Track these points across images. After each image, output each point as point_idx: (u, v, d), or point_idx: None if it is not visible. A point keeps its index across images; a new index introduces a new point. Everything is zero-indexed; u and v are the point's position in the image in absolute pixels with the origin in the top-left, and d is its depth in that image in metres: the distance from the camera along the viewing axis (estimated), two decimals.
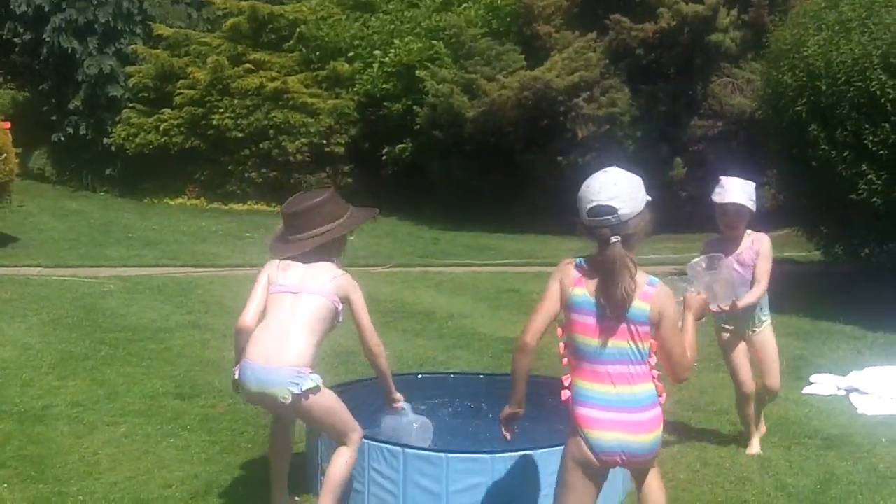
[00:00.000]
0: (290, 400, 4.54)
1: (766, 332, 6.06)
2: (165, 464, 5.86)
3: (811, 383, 7.66)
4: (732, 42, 16.84)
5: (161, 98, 21.58)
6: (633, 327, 3.84)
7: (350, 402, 5.75)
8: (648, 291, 3.82)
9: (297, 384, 4.52)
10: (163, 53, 21.77)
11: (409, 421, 5.18)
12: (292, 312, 4.65)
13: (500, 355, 8.47)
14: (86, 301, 10.81)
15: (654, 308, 3.82)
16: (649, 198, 3.99)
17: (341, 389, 5.90)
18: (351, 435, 4.72)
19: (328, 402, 4.69)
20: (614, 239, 3.83)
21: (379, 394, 5.91)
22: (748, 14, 16.96)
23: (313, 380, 4.58)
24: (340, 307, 4.71)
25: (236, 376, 4.71)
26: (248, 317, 4.74)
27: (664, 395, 4.07)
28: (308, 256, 4.77)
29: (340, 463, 4.68)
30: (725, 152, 17.00)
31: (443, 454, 4.69)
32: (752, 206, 5.91)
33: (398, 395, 5.16)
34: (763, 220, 18.48)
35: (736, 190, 5.95)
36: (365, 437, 4.90)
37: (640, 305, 3.79)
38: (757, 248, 5.94)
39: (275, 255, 4.86)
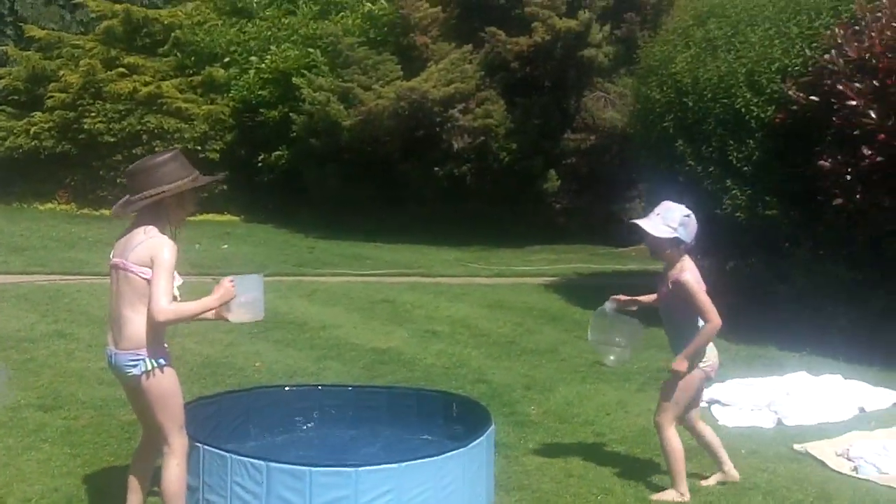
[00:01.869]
0: (129, 382, 4.58)
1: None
2: (25, 477, 5.73)
3: None
4: (605, 57, 17.17)
5: (32, 101, 21.07)
6: None
7: (216, 416, 5.74)
8: None
9: (136, 365, 4.53)
10: (34, 55, 21.28)
11: None
12: (117, 291, 4.61)
13: (371, 366, 8.49)
14: None
15: None
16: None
17: (207, 402, 5.88)
18: (173, 440, 4.64)
19: (168, 387, 4.61)
20: None
21: (245, 407, 5.89)
22: (620, 30, 17.32)
23: (153, 361, 4.54)
24: (149, 275, 4.49)
25: None
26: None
27: None
28: (142, 220, 4.63)
29: (171, 476, 4.63)
30: (598, 166, 17.36)
31: (307, 468, 4.68)
32: (659, 233, 5.54)
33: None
34: (634, 232, 18.78)
35: (646, 219, 5.66)
36: (227, 450, 4.86)
37: None
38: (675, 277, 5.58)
39: (113, 214, 4.80)
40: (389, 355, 8.89)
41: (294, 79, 18.76)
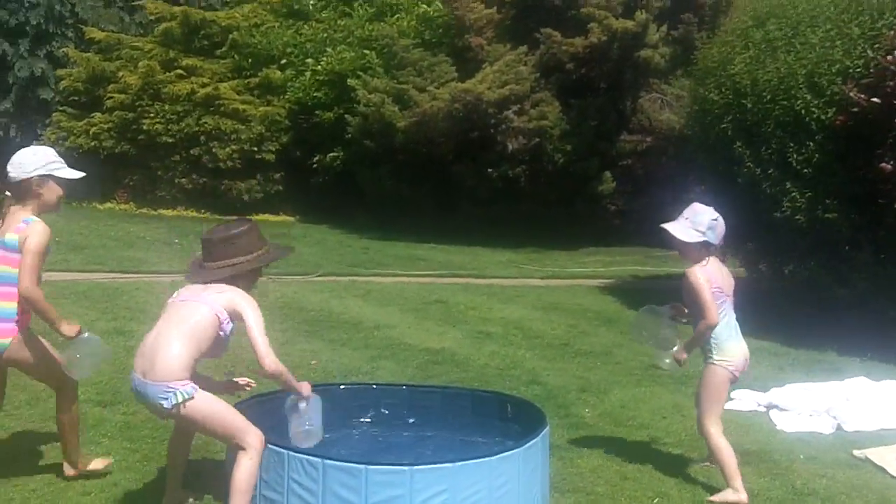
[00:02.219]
0: (164, 414, 4.76)
1: (706, 368, 5.81)
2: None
3: (731, 399, 7.76)
4: (662, 58, 17.06)
5: (92, 102, 21.34)
6: None
7: (272, 414, 5.76)
8: None
9: (167, 399, 4.68)
10: (94, 57, 21.55)
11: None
12: (170, 320, 4.82)
13: (425, 366, 8.50)
14: None
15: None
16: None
17: (264, 399, 5.91)
18: (245, 439, 4.76)
19: (206, 409, 4.76)
20: None
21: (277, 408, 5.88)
22: (678, 30, 17.20)
23: (182, 393, 4.68)
24: (226, 320, 4.80)
25: None
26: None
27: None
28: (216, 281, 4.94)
29: (240, 471, 4.71)
30: (654, 167, 17.24)
31: (362, 466, 4.70)
32: (688, 238, 5.66)
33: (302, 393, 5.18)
34: None
35: (674, 223, 5.76)
36: (285, 447, 4.89)
37: None
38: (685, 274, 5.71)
39: (190, 280, 5.04)
40: (443, 356, 8.89)
41: (349, 80, 18.84)
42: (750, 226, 10.90)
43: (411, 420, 6.08)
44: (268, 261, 5.10)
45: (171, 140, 20.21)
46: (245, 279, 5.00)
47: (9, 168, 5.41)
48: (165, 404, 4.67)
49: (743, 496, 5.58)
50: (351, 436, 6.00)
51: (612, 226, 17.75)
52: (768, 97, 10.11)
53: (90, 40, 21.82)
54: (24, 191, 5.39)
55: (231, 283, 4.92)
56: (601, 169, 17.37)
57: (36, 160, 5.43)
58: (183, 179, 20.45)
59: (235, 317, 4.81)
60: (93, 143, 20.78)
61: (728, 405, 7.60)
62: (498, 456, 4.87)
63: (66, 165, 5.60)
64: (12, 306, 5.29)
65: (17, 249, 5.35)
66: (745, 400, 7.70)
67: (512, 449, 4.94)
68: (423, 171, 18.03)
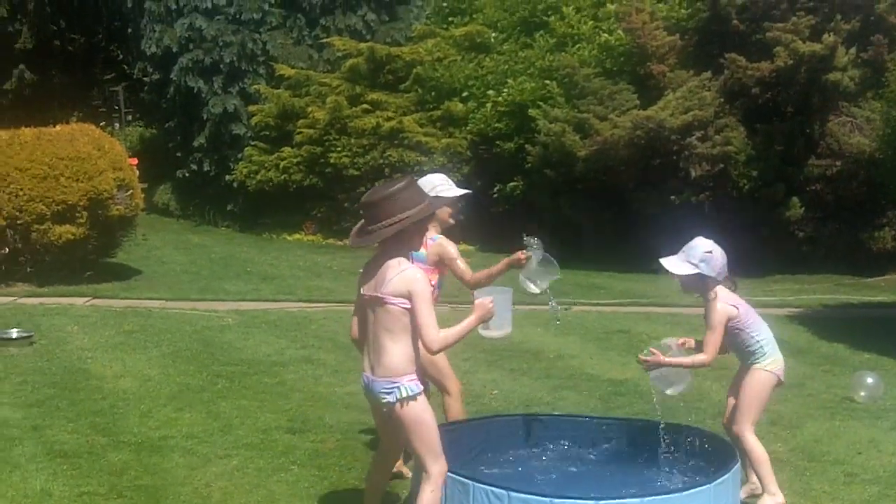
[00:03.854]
0: (385, 409, 4.77)
1: (752, 373, 5.88)
2: (275, 498, 5.99)
3: None
4: (851, 81, 16.53)
5: (281, 136, 22.08)
6: None
7: (455, 443, 5.83)
8: None
9: (391, 392, 4.72)
10: (284, 93, 22.28)
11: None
12: (374, 322, 4.80)
13: (608, 397, 8.44)
14: (204, 334, 11.11)
15: None
16: None
17: (447, 429, 5.98)
18: (433, 466, 4.77)
19: (421, 414, 4.78)
20: None
21: (484, 436, 5.93)
22: (867, 52, 16.64)
23: (407, 388, 4.71)
24: (408, 304, 4.69)
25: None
26: (353, 328, 5.20)
27: None
28: (388, 249, 4.79)
29: (424, 502, 4.75)
30: (844, 192, 16.69)
31: (547, 499, 4.70)
32: (680, 271, 5.82)
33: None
34: (883, 262, 18.08)
35: (672, 257, 5.88)
36: (469, 477, 4.93)
37: None
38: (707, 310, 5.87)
39: (353, 244, 4.95)
40: (626, 387, 8.80)
41: (530, 111, 18.92)
42: None
43: (594, 452, 6.05)
44: (430, 210, 4.92)
45: (356, 172, 20.69)
46: (411, 234, 4.84)
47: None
48: (390, 398, 4.71)
49: (780, 498, 5.61)
50: (533, 467, 6.00)
51: (801, 252, 17.22)
52: None
53: (280, 77, 22.57)
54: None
55: (398, 240, 4.76)
56: (788, 194, 16.90)
57: (426, 185, 5.78)
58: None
59: (409, 296, 4.68)
60: (283, 177, 21.48)
61: None
62: (688, 492, 4.80)
63: (452, 186, 6.14)
64: None
65: (424, 261, 5.91)
66: None
67: (703, 485, 4.86)
68: (603, 199, 17.92)
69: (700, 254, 5.77)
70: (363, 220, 4.91)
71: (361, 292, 4.89)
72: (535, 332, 11.30)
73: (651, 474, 5.73)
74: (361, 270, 4.95)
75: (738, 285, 6.04)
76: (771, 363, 5.82)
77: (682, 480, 5.32)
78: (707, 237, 5.97)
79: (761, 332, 5.85)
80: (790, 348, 10.49)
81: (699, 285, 5.84)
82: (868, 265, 16.22)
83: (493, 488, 4.82)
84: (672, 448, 5.83)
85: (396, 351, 4.72)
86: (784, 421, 7.74)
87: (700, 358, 5.69)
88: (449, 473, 4.96)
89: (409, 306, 4.68)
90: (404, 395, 4.70)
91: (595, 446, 6.06)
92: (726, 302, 5.78)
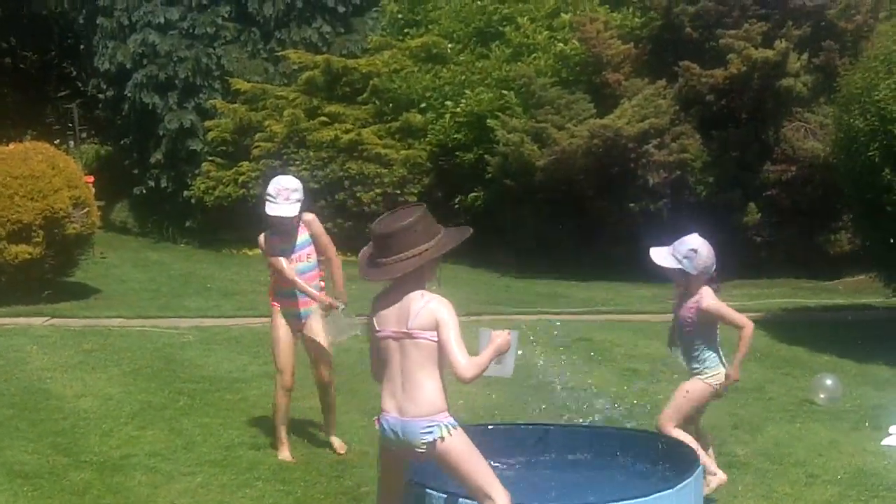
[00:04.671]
0: (424, 450, 4.53)
1: (693, 381, 6.14)
2: None
3: (890, 434, 7.54)
4: (804, 86, 16.73)
5: (239, 151, 21.96)
6: None
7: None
8: None
9: (431, 431, 4.51)
10: (240, 108, 22.18)
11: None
12: (401, 360, 4.58)
13: (571, 405, 8.46)
14: (165, 352, 11.03)
15: None
16: None
17: None
18: (496, 496, 4.53)
19: (465, 447, 4.58)
20: None
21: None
22: (819, 58, 16.84)
23: (447, 426, 4.53)
24: (436, 336, 4.55)
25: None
26: (373, 372, 4.82)
27: None
28: (405, 281, 4.61)
29: None
30: (800, 197, 16.86)
31: None
32: (662, 262, 6.07)
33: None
34: (840, 265, 18.23)
35: (659, 252, 6.12)
36: (447, 492, 4.79)
37: None
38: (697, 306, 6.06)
39: (370, 278, 4.68)
40: (588, 394, 8.84)
41: (488, 121, 18.98)
42: None
43: (558, 461, 6.06)
44: (447, 247, 4.70)
45: (316, 185, 20.61)
46: (427, 270, 4.68)
47: None
48: (429, 438, 4.48)
49: (720, 475, 6.06)
50: (500, 476, 6.00)
51: (759, 257, 17.38)
52: None
53: (236, 91, 22.46)
54: None
55: (412, 276, 4.59)
56: (745, 200, 17.06)
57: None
58: (328, 224, 20.73)
59: (436, 326, 4.53)
60: (241, 192, 21.36)
61: (887, 441, 7.39)
62: (651, 497, 4.83)
63: (276, 201, 6.89)
64: None
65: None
66: None
67: (665, 490, 4.89)
68: (563, 208, 18.01)
69: (685, 250, 5.94)
70: (374, 251, 4.69)
71: (379, 329, 4.67)
72: None
73: (615, 481, 5.75)
74: (373, 307, 4.73)
75: (721, 290, 6.16)
76: (713, 377, 6.03)
77: (643, 486, 5.34)
78: (664, 245, 6.08)
79: (712, 348, 6.06)
80: (751, 353, 10.56)
81: (682, 280, 6.06)
82: (825, 269, 16.40)
83: (463, 498, 4.80)
84: (634, 454, 5.87)
85: (432, 386, 4.54)
86: (745, 424, 7.81)
87: (744, 334, 5.94)
88: (430, 490, 4.83)
89: (436, 339, 4.53)
90: (445, 432, 4.50)
91: (558, 454, 6.07)
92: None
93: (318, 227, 7.32)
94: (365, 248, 4.77)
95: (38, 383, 9.50)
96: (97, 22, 24.29)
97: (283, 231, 7.13)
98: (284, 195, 6.93)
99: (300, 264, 7.16)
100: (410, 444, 4.55)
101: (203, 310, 14.15)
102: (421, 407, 4.53)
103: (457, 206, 19.98)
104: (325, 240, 7.36)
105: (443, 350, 4.50)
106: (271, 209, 6.97)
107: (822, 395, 8.45)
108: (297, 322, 7.27)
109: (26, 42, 32.98)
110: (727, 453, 7.03)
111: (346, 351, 10.77)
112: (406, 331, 4.55)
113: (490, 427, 6.43)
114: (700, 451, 5.81)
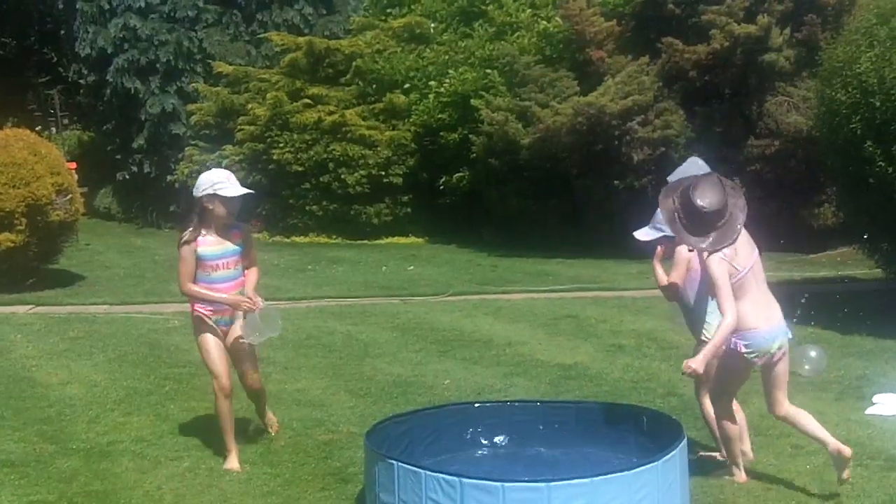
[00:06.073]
0: (781, 349, 5.75)
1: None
2: (228, 497, 5.98)
3: (874, 403, 7.58)
4: (786, 61, 16.73)
5: (222, 135, 21.87)
6: None
7: (409, 434, 5.86)
8: None
9: (788, 332, 5.77)
10: (223, 91, 22.08)
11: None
12: (760, 283, 5.95)
13: (558, 382, 8.50)
14: (150, 337, 11.01)
15: None
16: None
17: (400, 420, 6.00)
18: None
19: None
20: None
21: (437, 424, 5.98)
22: (801, 32, 16.83)
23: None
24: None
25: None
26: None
27: None
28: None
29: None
30: (784, 171, 16.88)
31: (499, 483, 4.73)
32: (647, 237, 6.34)
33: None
34: (824, 238, 18.27)
35: (640, 232, 6.38)
36: (422, 466, 4.95)
37: None
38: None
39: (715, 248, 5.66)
40: (576, 370, 8.88)
41: (472, 100, 18.94)
42: (884, 226, 10.64)
43: (545, 436, 6.09)
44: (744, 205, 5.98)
45: (300, 168, 20.59)
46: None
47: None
48: (790, 334, 5.79)
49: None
50: (486, 453, 6.04)
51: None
52: None
53: (218, 74, 22.35)
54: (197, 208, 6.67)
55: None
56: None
57: (204, 181, 6.61)
58: (314, 206, 20.78)
59: None
60: None
61: (870, 410, 7.44)
62: (636, 470, 4.85)
63: (228, 184, 6.52)
64: None
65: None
66: (888, 404, 7.51)
67: (650, 462, 4.91)
68: (548, 186, 18.00)
69: (661, 217, 5.99)
70: (698, 220, 5.62)
71: (740, 267, 5.76)
72: (486, 321, 11.35)
73: (602, 455, 5.78)
74: (726, 254, 5.71)
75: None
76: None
77: (630, 460, 5.37)
78: (650, 221, 6.10)
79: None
80: None
81: (671, 245, 6.16)
82: (809, 242, 16.43)
83: (446, 476, 4.84)
84: (622, 429, 5.90)
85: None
86: None
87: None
88: (401, 463, 4.97)
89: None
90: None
91: (546, 430, 6.10)
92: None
93: (251, 237, 7.08)
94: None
95: (22, 371, 9.46)
96: (77, 6, 24.11)
97: (224, 224, 6.75)
98: (231, 179, 6.63)
99: (227, 271, 6.85)
100: (780, 343, 5.77)
101: None
102: (780, 313, 5.95)
103: (442, 186, 19.97)
104: (255, 252, 7.10)
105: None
106: (232, 191, 6.57)
107: (806, 367, 8.43)
108: (224, 327, 6.99)
109: (5, 27, 32.72)
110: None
111: (331, 334, 10.81)
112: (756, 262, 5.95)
113: (477, 405, 6.45)
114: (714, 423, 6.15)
